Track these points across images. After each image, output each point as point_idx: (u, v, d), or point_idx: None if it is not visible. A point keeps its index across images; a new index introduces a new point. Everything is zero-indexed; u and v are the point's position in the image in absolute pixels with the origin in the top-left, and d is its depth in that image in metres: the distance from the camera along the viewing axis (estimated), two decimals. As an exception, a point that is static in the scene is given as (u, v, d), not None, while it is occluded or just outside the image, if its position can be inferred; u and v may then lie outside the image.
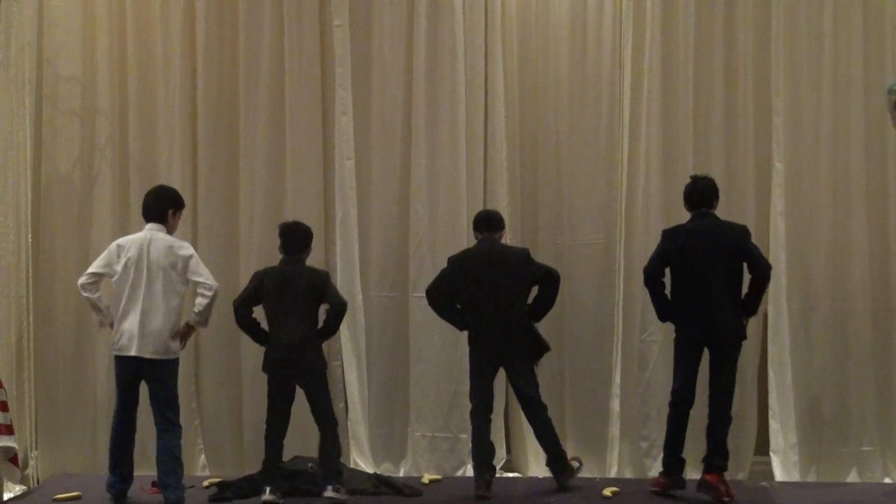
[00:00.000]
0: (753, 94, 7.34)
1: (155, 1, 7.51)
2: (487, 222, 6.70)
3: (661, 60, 7.36)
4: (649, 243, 7.28)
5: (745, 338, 6.48)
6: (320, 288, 6.41)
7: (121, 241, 6.29)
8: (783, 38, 7.27)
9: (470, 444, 6.95)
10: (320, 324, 6.46)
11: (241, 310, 6.45)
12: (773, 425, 7.16)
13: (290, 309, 6.33)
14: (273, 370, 6.38)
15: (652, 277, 6.53)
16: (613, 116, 7.44)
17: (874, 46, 7.27)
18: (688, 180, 7.18)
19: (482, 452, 6.59)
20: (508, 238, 7.24)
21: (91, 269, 6.22)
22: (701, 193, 6.51)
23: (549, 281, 6.60)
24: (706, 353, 6.44)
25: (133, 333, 6.08)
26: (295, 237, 6.49)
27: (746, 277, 6.44)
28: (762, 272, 6.38)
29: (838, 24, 7.29)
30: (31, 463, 7.11)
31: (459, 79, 7.41)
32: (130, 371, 6.18)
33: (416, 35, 7.47)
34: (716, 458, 6.36)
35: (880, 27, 7.26)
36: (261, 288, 6.40)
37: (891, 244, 7.18)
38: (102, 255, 6.26)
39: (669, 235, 6.56)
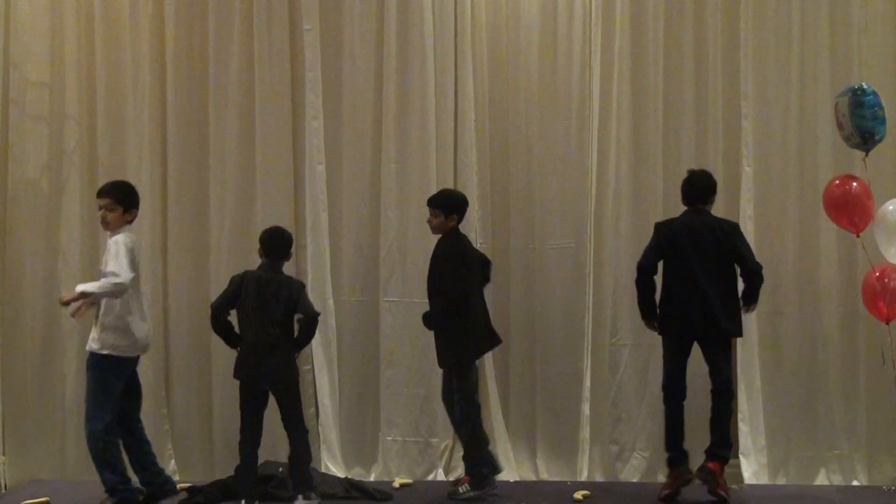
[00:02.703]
0: (722, 98, 7.37)
1: (123, 4, 7.47)
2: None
3: (630, 65, 7.39)
4: (619, 247, 7.34)
5: (740, 335, 6.68)
6: (294, 299, 6.37)
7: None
8: (751, 43, 7.32)
9: (442, 447, 7.08)
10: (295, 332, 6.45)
11: (220, 312, 6.37)
12: (743, 428, 7.18)
13: (265, 315, 6.28)
14: (245, 377, 6.34)
15: (647, 272, 6.53)
16: (583, 121, 7.45)
17: (841, 50, 7.32)
18: (656, 184, 7.28)
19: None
20: (478, 241, 7.28)
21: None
22: (694, 189, 6.58)
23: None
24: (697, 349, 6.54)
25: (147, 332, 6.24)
26: (279, 244, 6.45)
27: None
28: (751, 269, 6.49)
29: (805, 27, 7.35)
30: (-1, 469, 7.08)
31: (429, 84, 7.41)
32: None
33: (386, 39, 7.46)
34: (720, 448, 6.44)
35: (847, 30, 7.31)
36: (238, 291, 6.35)
37: (858, 248, 7.21)
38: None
39: (663, 228, 6.57)
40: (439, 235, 6.62)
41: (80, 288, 5.91)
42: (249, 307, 6.31)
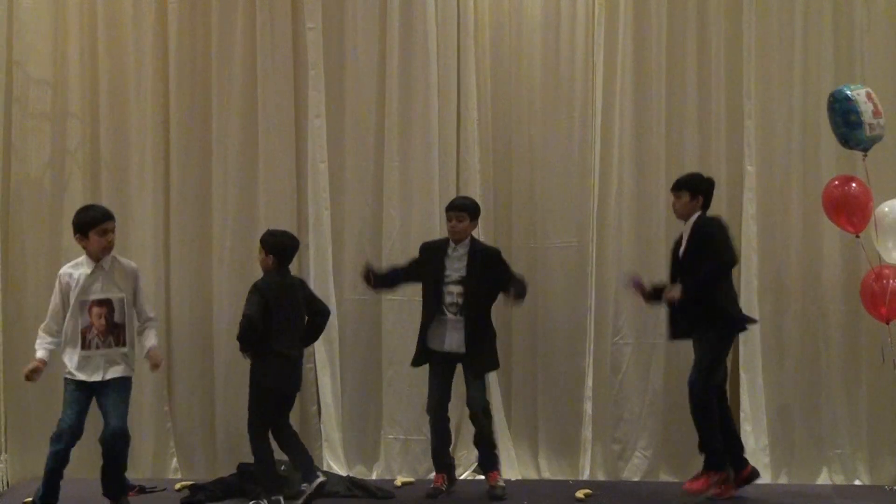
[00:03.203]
0: (725, 97, 7.36)
1: (126, 2, 7.47)
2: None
3: (633, 64, 7.39)
4: (622, 246, 7.35)
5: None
6: (308, 297, 6.47)
7: None
8: (755, 43, 7.32)
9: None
10: None
11: (259, 322, 6.17)
12: (745, 427, 7.16)
13: (291, 320, 6.30)
14: (281, 384, 6.32)
15: None
16: (586, 120, 7.45)
17: (844, 50, 7.32)
18: (659, 183, 7.28)
19: None
20: (481, 240, 7.26)
21: None
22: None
23: None
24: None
25: None
26: (292, 248, 6.46)
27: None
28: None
29: (809, 28, 7.35)
30: (1, 466, 7.06)
31: (432, 82, 7.41)
32: None
33: (388, 38, 7.47)
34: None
35: (850, 31, 7.31)
36: (266, 300, 6.24)
37: (860, 247, 7.21)
38: None
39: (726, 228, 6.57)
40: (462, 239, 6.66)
41: (155, 343, 6.11)
42: (281, 316, 6.25)
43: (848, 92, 6.52)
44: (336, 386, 7.41)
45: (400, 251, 7.37)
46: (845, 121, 6.54)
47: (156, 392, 7.34)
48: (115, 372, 5.93)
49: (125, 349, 5.99)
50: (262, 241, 6.41)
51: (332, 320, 7.28)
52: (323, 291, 7.27)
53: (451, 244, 6.66)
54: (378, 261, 7.43)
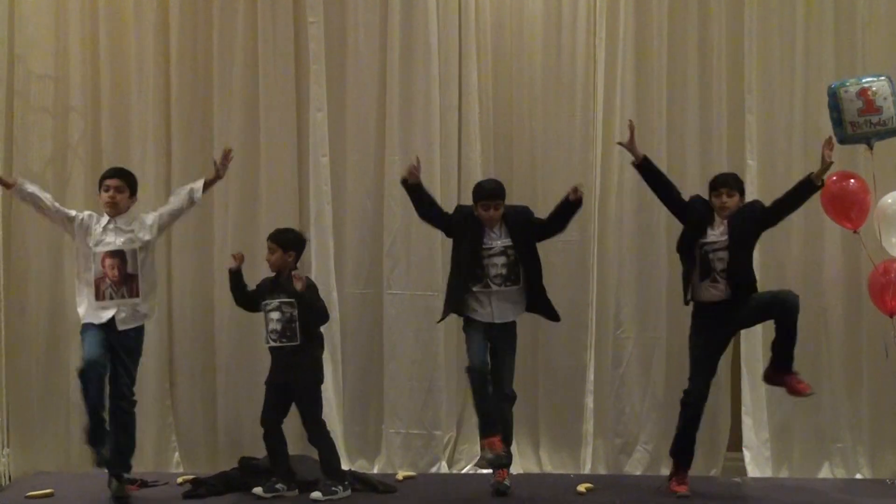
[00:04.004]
0: (727, 92, 7.35)
1: (128, -4, 7.50)
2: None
3: (634, 58, 7.38)
4: (623, 241, 7.35)
5: None
6: None
7: None
8: (756, 37, 7.31)
9: (445, 440, 7.08)
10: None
11: None
12: (746, 421, 7.19)
13: None
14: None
15: None
16: (587, 114, 7.45)
17: (845, 44, 7.31)
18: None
19: None
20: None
21: None
22: None
23: None
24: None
25: None
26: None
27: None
28: None
29: (810, 22, 7.34)
30: (3, 460, 7.05)
31: (433, 76, 7.40)
32: None
33: (390, 32, 7.46)
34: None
35: (851, 25, 7.30)
36: None
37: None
38: None
39: None
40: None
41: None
42: None
43: (835, 88, 6.53)
44: (337, 380, 7.40)
45: (402, 245, 7.38)
46: (831, 117, 6.58)
47: (157, 387, 7.35)
48: (128, 322, 6.13)
49: (138, 300, 6.17)
50: (277, 240, 6.46)
51: (333, 314, 7.28)
52: (325, 285, 7.25)
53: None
54: (379, 255, 7.46)
